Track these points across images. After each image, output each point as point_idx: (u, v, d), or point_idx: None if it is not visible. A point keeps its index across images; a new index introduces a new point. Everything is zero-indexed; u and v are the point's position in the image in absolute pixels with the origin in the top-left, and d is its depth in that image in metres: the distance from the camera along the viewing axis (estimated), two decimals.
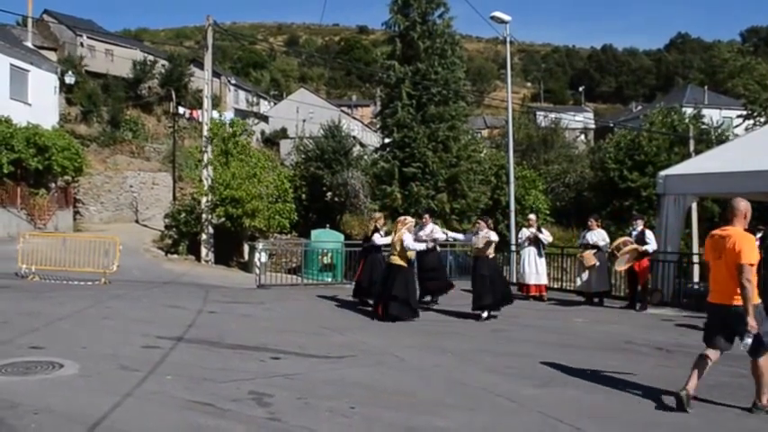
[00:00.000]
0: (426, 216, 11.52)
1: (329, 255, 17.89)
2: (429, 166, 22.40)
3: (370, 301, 10.43)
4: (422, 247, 9.77)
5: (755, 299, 4.82)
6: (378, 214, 11.91)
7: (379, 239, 10.59)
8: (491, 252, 9.92)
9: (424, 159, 22.38)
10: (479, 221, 10.21)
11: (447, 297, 11.35)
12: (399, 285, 9.13)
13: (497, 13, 19.15)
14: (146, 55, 48.90)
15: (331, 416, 4.59)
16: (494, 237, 9.80)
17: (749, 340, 4.69)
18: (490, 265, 9.85)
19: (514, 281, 14.62)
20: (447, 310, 10.50)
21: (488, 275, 9.60)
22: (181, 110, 34.25)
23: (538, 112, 58.60)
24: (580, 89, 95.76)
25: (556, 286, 14.54)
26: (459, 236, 11.24)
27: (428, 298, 11.21)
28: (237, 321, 8.87)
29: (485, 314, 9.57)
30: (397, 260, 9.29)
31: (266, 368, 6.05)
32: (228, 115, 26.22)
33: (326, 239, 19.57)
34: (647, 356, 7.21)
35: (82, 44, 46.96)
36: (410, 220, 9.88)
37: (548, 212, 30.01)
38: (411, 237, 9.45)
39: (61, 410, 4.47)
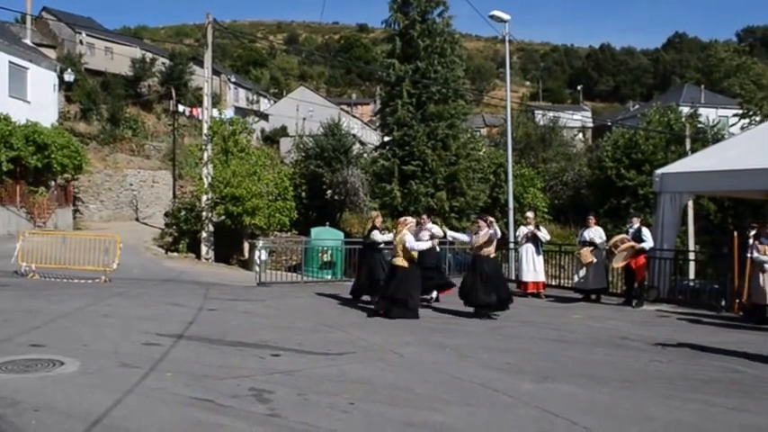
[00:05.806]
0: (425, 216, 11.34)
1: (329, 252, 17.92)
2: (428, 165, 22.42)
3: (367, 298, 10.51)
4: (425, 246, 9.68)
5: None
6: (375, 213, 11.94)
7: (378, 236, 10.58)
8: (491, 251, 9.81)
9: (423, 157, 22.40)
10: (478, 220, 10.11)
11: (445, 294, 11.31)
12: (401, 287, 9.13)
13: (496, 12, 19.16)
14: (145, 53, 48.81)
15: (331, 412, 4.64)
16: (494, 232, 9.70)
17: None
18: (490, 264, 9.77)
19: (513, 278, 14.70)
20: (445, 308, 10.52)
21: (488, 273, 9.51)
22: (181, 108, 34.11)
23: (536, 111, 58.70)
24: (578, 88, 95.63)
25: (554, 283, 14.57)
26: (462, 236, 10.89)
27: (434, 294, 10.98)
28: (237, 319, 8.91)
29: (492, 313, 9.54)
30: (399, 261, 9.29)
31: (266, 365, 6.10)
32: (229, 113, 26.17)
33: (326, 237, 19.58)
34: (642, 352, 7.27)
35: (81, 42, 46.83)
36: (411, 220, 9.86)
37: (546, 210, 30.14)
38: (412, 237, 9.40)
39: (62, 407, 4.51)
